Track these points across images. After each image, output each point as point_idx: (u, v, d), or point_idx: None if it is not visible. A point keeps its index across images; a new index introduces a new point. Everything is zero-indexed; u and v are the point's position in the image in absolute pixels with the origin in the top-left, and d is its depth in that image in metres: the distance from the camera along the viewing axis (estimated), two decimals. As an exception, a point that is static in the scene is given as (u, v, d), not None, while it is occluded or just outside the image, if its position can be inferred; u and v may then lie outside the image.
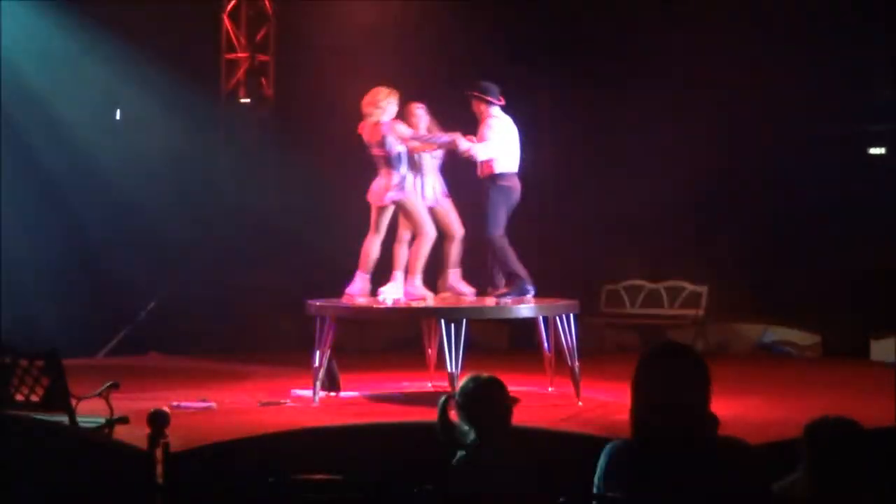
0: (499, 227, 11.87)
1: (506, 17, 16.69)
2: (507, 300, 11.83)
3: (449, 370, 10.93)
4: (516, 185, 11.94)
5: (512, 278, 11.88)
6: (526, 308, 11.96)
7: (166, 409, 5.83)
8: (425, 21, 16.64)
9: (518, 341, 16.86)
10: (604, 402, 11.52)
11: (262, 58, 17.67)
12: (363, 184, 12.36)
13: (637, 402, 4.38)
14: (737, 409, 9.86)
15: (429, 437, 5.40)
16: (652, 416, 4.32)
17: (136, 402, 9.36)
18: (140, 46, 15.90)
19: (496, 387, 5.38)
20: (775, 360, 15.72)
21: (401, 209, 12.14)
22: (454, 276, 12.27)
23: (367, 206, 12.30)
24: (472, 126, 12.07)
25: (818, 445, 4.64)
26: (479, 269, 12.31)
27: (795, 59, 15.80)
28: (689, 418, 4.29)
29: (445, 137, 11.90)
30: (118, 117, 16.68)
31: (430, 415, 5.26)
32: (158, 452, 5.66)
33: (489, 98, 11.93)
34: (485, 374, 5.45)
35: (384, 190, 11.98)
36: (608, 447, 4.43)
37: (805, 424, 4.68)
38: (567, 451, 5.33)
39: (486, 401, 5.32)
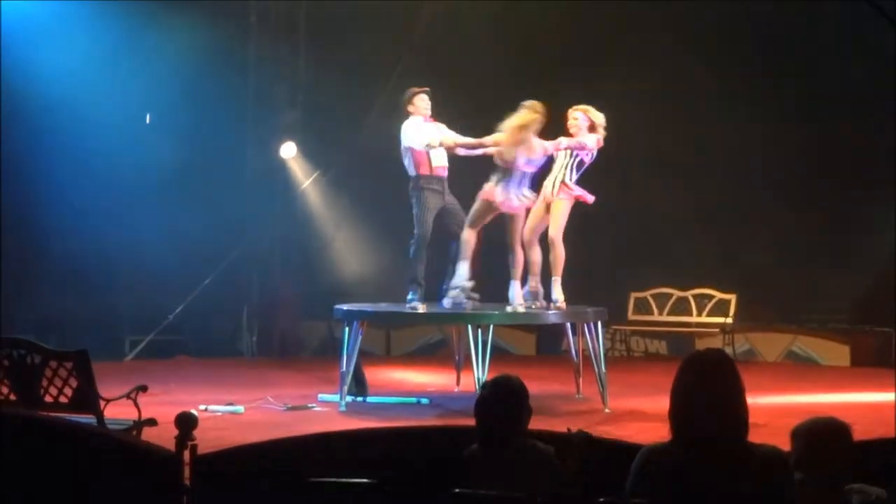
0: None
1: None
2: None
3: (476, 375, 10.93)
4: None
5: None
6: (554, 315, 11.95)
7: (194, 411, 5.83)
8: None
9: (545, 347, 16.87)
10: (631, 409, 11.49)
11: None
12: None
13: (676, 406, 4.40)
14: (763, 416, 9.81)
15: (456, 440, 5.40)
16: (691, 420, 4.34)
17: (163, 405, 9.38)
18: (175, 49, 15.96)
19: (516, 387, 5.40)
20: (803, 369, 15.64)
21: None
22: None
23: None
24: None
25: (801, 444, 4.70)
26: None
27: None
28: (728, 424, 4.31)
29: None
30: (148, 121, 16.71)
31: (456, 419, 5.26)
32: (186, 455, 5.65)
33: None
34: (509, 375, 5.47)
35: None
36: (645, 450, 4.44)
37: (794, 426, 4.75)
38: (594, 457, 5.30)
39: (506, 399, 5.35)
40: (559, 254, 11.87)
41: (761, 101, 16.15)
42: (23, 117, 15.45)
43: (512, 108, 11.88)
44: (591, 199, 12.04)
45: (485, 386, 5.50)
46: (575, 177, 11.95)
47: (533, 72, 16.45)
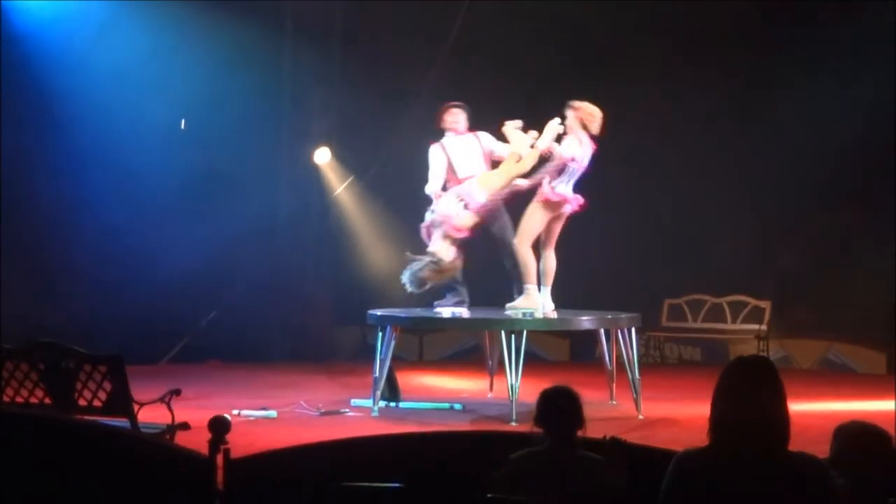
0: None
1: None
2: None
3: (509, 381, 10.92)
4: None
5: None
6: (588, 321, 11.93)
7: (227, 416, 5.84)
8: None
9: (579, 354, 16.84)
10: (665, 416, 11.46)
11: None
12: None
13: (717, 411, 4.37)
14: (798, 424, 9.74)
15: (489, 446, 5.39)
16: (731, 426, 4.31)
17: (197, 409, 9.41)
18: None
19: (569, 398, 5.54)
20: (839, 377, 15.55)
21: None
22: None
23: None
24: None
25: (840, 444, 4.69)
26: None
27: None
28: (769, 432, 4.29)
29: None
30: (182, 127, 16.72)
31: (489, 425, 5.26)
32: (219, 459, 5.67)
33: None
34: (564, 386, 5.63)
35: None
36: (680, 455, 4.41)
37: (837, 425, 4.75)
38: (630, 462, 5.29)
39: (556, 408, 5.47)
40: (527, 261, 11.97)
41: (796, 104, 16.02)
42: (55, 122, 15.53)
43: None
44: (573, 206, 11.93)
45: (550, 394, 5.56)
46: (563, 183, 11.88)
47: (570, 74, 16.43)
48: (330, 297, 17.44)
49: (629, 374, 11.64)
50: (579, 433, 5.43)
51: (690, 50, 16.53)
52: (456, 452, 5.76)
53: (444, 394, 13.27)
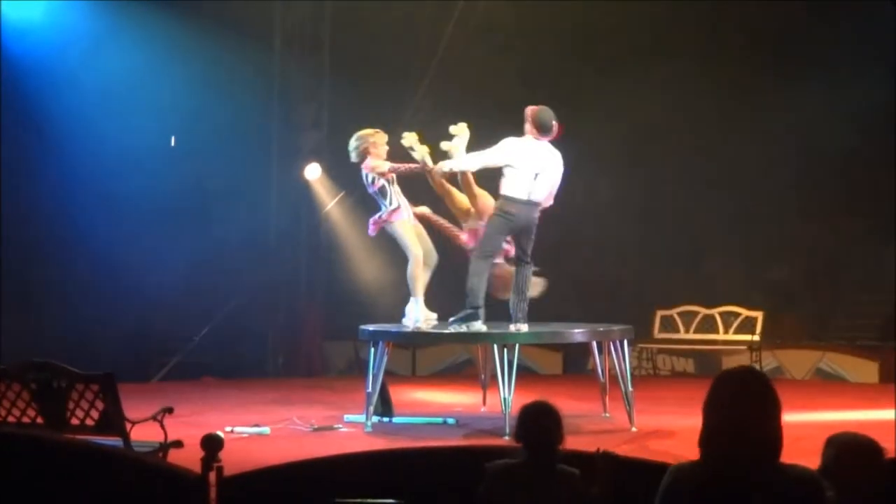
0: (482, 251, 11.54)
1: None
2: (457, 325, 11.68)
3: (502, 395, 10.91)
4: (524, 212, 11.31)
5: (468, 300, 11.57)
6: (580, 333, 11.92)
7: (220, 433, 5.83)
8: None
9: (571, 366, 16.84)
10: (658, 428, 11.45)
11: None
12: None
13: (707, 424, 4.36)
14: (790, 435, 9.70)
15: (482, 460, 5.39)
16: (722, 439, 4.30)
17: (189, 427, 9.39)
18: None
19: (549, 414, 5.52)
20: (831, 386, 15.56)
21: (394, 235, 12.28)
22: None
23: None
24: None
25: (831, 454, 4.70)
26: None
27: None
28: (760, 444, 4.28)
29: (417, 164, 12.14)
30: (173, 144, 16.74)
31: (483, 439, 5.26)
32: (212, 476, 5.66)
33: (528, 125, 11.58)
34: (544, 401, 5.60)
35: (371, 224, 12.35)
36: (672, 469, 4.40)
37: (830, 435, 4.76)
38: (621, 476, 5.28)
39: (535, 424, 5.46)
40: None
41: (790, 115, 16.06)
42: (46, 142, 15.56)
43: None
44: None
45: (530, 409, 5.58)
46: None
47: (563, 81, 16.48)
48: (322, 312, 17.44)
49: (622, 386, 11.62)
50: (560, 447, 5.42)
51: (683, 60, 16.56)
52: (450, 467, 5.76)
53: (437, 408, 13.26)
